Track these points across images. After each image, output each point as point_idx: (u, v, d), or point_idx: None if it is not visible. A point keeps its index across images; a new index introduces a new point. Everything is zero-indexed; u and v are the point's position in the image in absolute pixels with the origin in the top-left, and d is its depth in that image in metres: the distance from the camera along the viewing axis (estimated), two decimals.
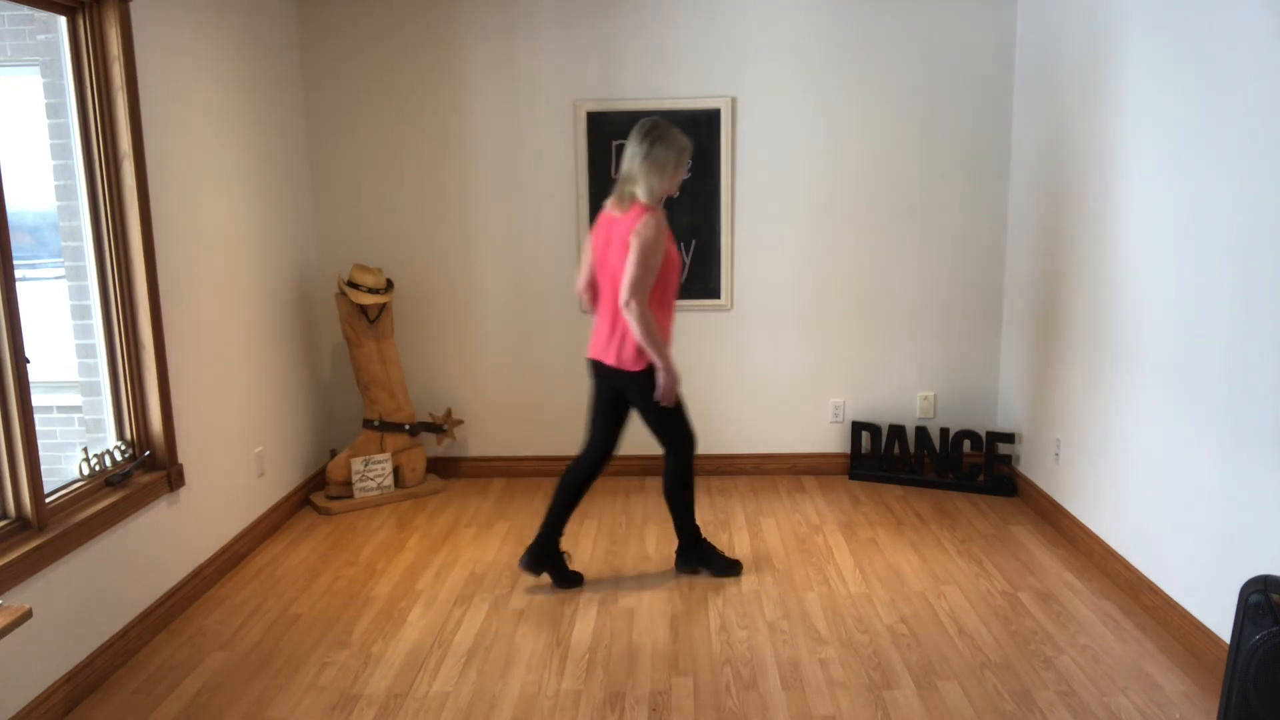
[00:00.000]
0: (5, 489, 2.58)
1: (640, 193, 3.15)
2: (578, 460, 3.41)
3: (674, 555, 3.63)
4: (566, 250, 4.51)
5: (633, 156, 3.14)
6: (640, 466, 4.67)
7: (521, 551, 3.74)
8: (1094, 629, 3.05)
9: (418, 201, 4.50)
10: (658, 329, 3.13)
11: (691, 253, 4.49)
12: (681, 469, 3.37)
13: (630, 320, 3.10)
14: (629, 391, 3.27)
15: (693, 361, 4.58)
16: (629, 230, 3.11)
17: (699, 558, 3.49)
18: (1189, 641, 2.89)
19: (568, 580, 3.41)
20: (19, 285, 2.55)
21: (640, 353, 3.17)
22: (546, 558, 3.39)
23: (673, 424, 3.31)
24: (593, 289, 3.36)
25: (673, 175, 3.17)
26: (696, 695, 2.71)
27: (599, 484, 4.57)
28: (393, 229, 4.52)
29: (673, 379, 3.17)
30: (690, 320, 4.55)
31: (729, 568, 3.48)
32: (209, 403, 3.52)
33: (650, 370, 3.19)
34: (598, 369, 3.32)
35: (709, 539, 3.61)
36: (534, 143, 4.43)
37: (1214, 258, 2.75)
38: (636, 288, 3.07)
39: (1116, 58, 3.32)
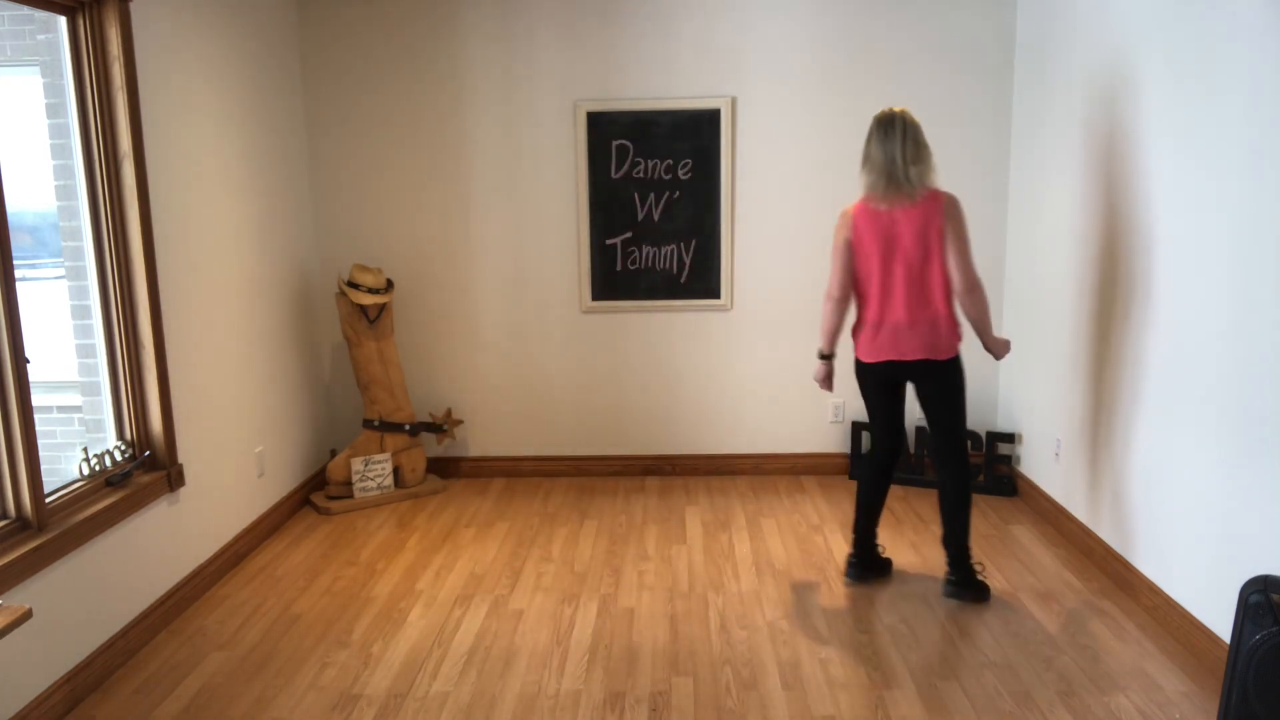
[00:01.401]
0: (5, 489, 2.58)
1: (931, 175, 3.08)
2: (873, 465, 3.39)
3: (945, 580, 3.32)
4: (566, 250, 4.51)
5: (905, 143, 3.04)
6: (641, 466, 4.68)
7: (520, 550, 3.75)
8: (1094, 629, 3.05)
9: (418, 201, 4.50)
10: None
11: (691, 253, 4.49)
12: (968, 481, 3.23)
13: (980, 300, 3.10)
14: (943, 379, 3.17)
15: (693, 361, 4.58)
16: (929, 217, 3.05)
17: (964, 581, 3.25)
18: (1189, 641, 2.89)
19: (882, 569, 3.48)
20: (19, 285, 2.55)
21: (956, 337, 3.15)
22: (872, 565, 3.45)
23: (964, 416, 3.24)
24: (851, 294, 3.26)
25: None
26: (696, 695, 2.71)
27: (599, 484, 4.57)
28: (393, 229, 4.52)
29: (1000, 342, 3.20)
30: (690, 320, 4.56)
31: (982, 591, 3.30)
32: (209, 403, 3.52)
33: (960, 356, 3.18)
34: (896, 369, 3.20)
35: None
36: (534, 143, 4.43)
37: (1215, 256, 2.75)
38: (974, 266, 3.10)
39: (1116, 56, 3.32)
